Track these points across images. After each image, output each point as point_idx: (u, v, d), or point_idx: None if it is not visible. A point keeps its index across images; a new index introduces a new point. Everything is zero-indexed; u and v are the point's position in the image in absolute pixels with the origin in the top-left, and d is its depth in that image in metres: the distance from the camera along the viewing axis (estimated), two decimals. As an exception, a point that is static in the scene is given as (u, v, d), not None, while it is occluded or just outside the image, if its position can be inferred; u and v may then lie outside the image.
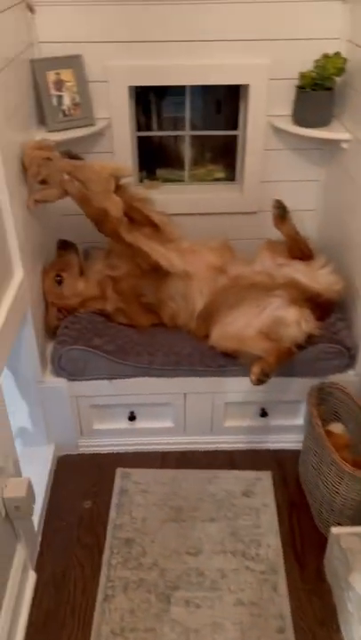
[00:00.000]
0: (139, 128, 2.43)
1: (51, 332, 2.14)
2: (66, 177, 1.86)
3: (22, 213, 1.75)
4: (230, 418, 2.22)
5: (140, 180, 2.56)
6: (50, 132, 2.12)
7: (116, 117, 2.26)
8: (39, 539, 1.91)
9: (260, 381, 1.79)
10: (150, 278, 2.07)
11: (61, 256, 2.14)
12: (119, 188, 1.98)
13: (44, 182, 1.89)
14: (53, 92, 2.13)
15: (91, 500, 2.05)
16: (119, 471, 2.16)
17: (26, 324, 1.86)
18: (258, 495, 2.08)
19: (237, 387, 2.07)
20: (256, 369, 1.78)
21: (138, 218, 2.06)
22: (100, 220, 1.92)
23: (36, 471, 2.11)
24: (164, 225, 2.08)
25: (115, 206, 1.89)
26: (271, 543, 1.91)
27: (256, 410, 2.19)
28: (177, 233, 2.14)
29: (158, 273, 2.03)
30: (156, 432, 2.23)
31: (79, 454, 2.24)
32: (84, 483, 2.13)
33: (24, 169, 1.82)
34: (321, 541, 1.86)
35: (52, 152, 1.83)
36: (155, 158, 2.56)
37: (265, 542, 1.91)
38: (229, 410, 2.20)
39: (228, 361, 2.02)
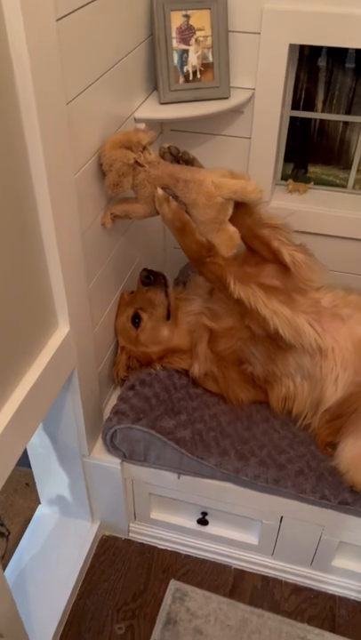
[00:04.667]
0: (293, 105, 1.68)
1: (116, 382, 1.57)
2: (160, 192, 1.19)
3: (75, 243, 1.13)
4: (343, 558, 1.52)
5: (283, 177, 1.82)
6: (163, 103, 1.48)
7: (263, 88, 1.54)
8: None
9: None
10: (263, 343, 1.38)
11: (144, 293, 1.50)
12: (241, 207, 1.29)
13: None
14: (176, 44, 1.45)
15: (125, 623, 1.52)
16: (173, 585, 1.59)
17: (70, 388, 1.30)
18: None
19: (363, 530, 1.37)
20: None
21: (261, 252, 1.37)
22: (200, 259, 1.26)
23: (71, 554, 1.62)
24: (299, 267, 1.36)
25: (226, 243, 1.20)
26: None
27: (385, 561, 1.47)
28: (317, 280, 1.41)
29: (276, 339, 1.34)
30: (233, 543, 1.61)
31: (128, 540, 1.71)
32: (124, 588, 1.59)
33: (103, 172, 1.20)
34: None
35: (144, 152, 1.17)
36: (309, 149, 1.79)
37: None
38: (343, 549, 1.50)
39: (358, 499, 1.31)
